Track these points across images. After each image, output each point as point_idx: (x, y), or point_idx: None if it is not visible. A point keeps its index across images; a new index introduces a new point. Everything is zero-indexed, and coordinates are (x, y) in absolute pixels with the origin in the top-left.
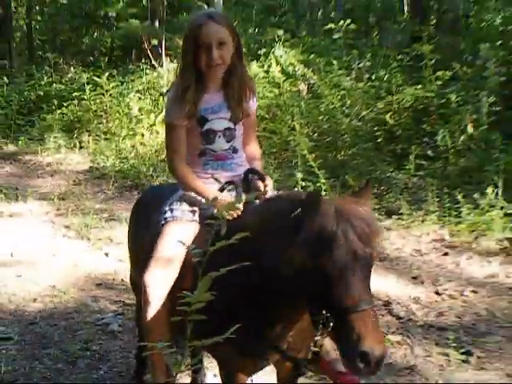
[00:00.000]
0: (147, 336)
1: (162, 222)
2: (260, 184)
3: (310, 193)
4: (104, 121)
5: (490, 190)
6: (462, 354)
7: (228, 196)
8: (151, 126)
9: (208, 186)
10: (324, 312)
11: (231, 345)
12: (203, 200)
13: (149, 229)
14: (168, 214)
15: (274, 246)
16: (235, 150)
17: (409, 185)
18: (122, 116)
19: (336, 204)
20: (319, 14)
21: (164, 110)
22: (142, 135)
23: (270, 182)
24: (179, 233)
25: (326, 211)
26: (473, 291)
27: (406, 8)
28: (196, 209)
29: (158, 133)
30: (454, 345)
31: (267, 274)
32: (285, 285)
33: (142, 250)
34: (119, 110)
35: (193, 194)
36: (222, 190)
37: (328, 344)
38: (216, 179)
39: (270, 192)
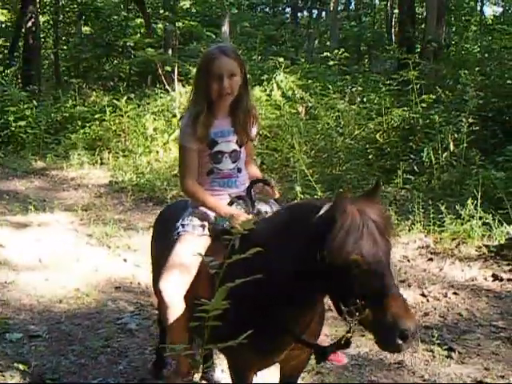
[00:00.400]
0: (168, 337)
1: (175, 237)
2: (268, 189)
3: (340, 193)
4: (122, 139)
5: (469, 201)
6: (445, 350)
7: (237, 210)
8: (165, 144)
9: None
10: (358, 301)
11: (249, 344)
12: (212, 214)
13: (165, 241)
14: (180, 229)
15: (302, 246)
16: (239, 170)
17: (397, 197)
18: (138, 135)
19: (356, 203)
20: (316, 43)
21: (178, 134)
22: (157, 152)
23: (275, 186)
24: (191, 245)
25: (351, 209)
26: (455, 293)
27: (393, 38)
28: (206, 223)
29: (170, 150)
30: (438, 342)
31: (294, 274)
32: (311, 281)
33: (160, 259)
34: (136, 129)
35: (202, 210)
36: (231, 203)
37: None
38: (230, 195)
39: (278, 194)
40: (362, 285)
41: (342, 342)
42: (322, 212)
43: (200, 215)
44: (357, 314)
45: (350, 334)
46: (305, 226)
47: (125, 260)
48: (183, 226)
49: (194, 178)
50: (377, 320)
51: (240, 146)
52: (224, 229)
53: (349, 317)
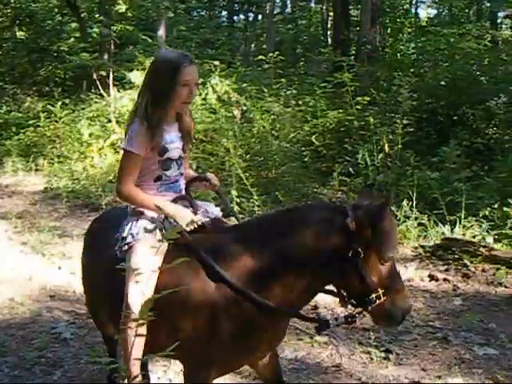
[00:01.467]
0: (126, 352)
1: (124, 248)
2: (206, 183)
3: (384, 201)
4: (57, 145)
5: (405, 202)
6: (383, 351)
7: (183, 208)
8: (100, 149)
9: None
10: (380, 290)
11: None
12: (161, 217)
13: (104, 254)
14: (129, 239)
15: (326, 246)
16: (181, 175)
17: (333, 199)
18: (73, 141)
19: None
20: (252, 46)
21: (126, 139)
22: (92, 158)
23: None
24: (147, 256)
25: (390, 215)
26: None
27: (329, 40)
28: (156, 227)
29: (106, 155)
30: (376, 344)
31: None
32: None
33: (97, 273)
34: (71, 135)
35: (149, 213)
36: (174, 202)
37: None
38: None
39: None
40: (388, 277)
41: (349, 320)
42: (350, 215)
43: (148, 219)
44: (376, 301)
45: (356, 311)
46: (331, 227)
47: (59, 268)
48: (132, 235)
49: (134, 183)
50: (393, 304)
51: (184, 152)
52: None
53: (364, 306)
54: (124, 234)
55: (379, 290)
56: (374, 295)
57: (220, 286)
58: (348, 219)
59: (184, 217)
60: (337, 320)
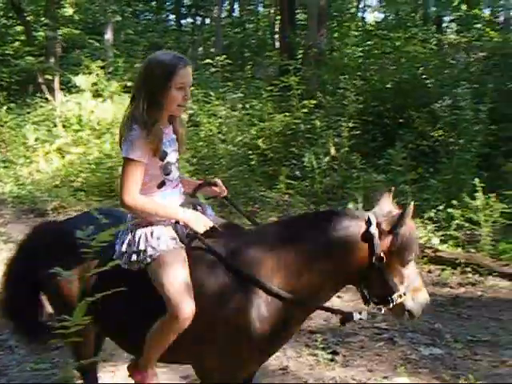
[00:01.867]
0: (154, 348)
1: (145, 261)
2: (216, 189)
3: (405, 208)
4: (3, 150)
5: (351, 204)
6: (330, 353)
7: (195, 212)
8: (46, 154)
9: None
10: (401, 290)
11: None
12: (172, 222)
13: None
14: (150, 251)
15: (349, 251)
16: (180, 177)
17: (280, 202)
18: (19, 145)
19: None
20: (200, 49)
21: (128, 147)
22: (38, 163)
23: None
24: (180, 264)
25: (411, 221)
26: (338, 296)
27: (277, 44)
28: (174, 234)
29: (52, 160)
30: (322, 346)
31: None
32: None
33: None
34: (17, 140)
35: (160, 222)
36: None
37: None
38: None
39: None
40: (409, 277)
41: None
42: (373, 223)
43: (161, 227)
44: (398, 300)
45: (378, 308)
46: (356, 235)
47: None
48: (152, 246)
49: (138, 193)
50: (413, 301)
51: (179, 154)
52: (192, 235)
53: (386, 305)
54: (141, 247)
55: (400, 289)
56: (395, 295)
57: (250, 288)
58: (371, 227)
59: (198, 221)
60: (360, 313)
